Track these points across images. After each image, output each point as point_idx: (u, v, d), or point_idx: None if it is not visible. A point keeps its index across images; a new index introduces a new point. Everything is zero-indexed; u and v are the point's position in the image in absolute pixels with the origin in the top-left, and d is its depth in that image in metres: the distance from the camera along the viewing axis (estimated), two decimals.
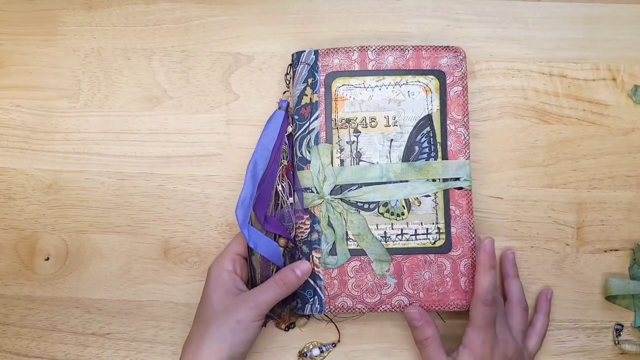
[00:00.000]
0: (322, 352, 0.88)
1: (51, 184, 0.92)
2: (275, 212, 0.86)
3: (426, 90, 0.87)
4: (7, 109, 0.93)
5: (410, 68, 0.87)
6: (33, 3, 0.95)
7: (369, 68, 0.87)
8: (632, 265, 0.89)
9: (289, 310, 0.87)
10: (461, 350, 0.81)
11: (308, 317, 0.89)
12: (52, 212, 0.92)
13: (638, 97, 0.92)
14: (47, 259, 0.91)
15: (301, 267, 0.84)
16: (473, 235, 0.85)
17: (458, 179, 0.85)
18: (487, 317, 0.81)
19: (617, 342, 0.88)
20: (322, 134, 0.87)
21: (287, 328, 0.89)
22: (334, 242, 0.85)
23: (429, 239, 0.85)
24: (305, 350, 0.89)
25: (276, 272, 0.85)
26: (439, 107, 0.87)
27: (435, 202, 0.85)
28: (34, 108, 0.93)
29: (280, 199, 0.86)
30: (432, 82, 0.87)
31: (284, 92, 0.91)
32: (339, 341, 0.89)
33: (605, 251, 0.90)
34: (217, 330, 0.79)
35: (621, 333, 0.89)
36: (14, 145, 0.93)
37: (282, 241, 0.85)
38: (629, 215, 0.91)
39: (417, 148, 0.86)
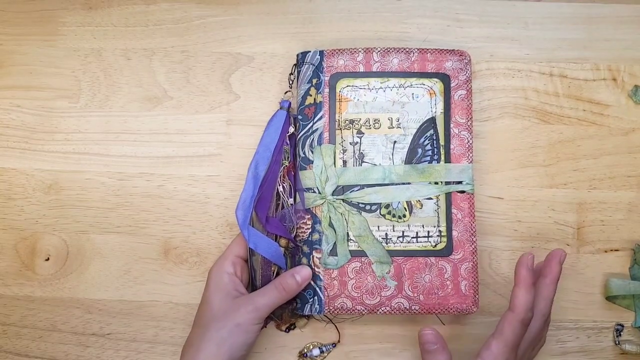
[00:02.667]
0: (322, 352, 0.88)
1: (51, 184, 0.92)
2: (276, 212, 0.86)
3: (430, 93, 0.87)
4: (7, 109, 0.93)
5: (415, 70, 0.87)
6: (33, 3, 0.95)
7: (374, 70, 0.87)
8: (633, 266, 0.89)
9: (289, 312, 0.87)
10: None
11: (308, 317, 0.89)
12: (53, 213, 0.92)
13: (638, 97, 0.92)
14: (48, 259, 0.91)
15: (302, 273, 0.84)
16: (474, 239, 0.85)
17: (460, 182, 0.85)
18: (518, 336, 0.76)
19: (617, 343, 0.88)
20: (326, 135, 0.87)
21: (288, 329, 0.89)
22: (334, 243, 0.85)
23: (430, 242, 0.85)
24: (306, 350, 0.89)
25: (277, 272, 0.85)
26: (442, 110, 0.86)
27: (437, 205, 0.85)
28: (34, 108, 0.93)
29: (281, 199, 0.86)
30: (437, 85, 0.87)
31: (286, 92, 0.91)
32: (339, 341, 0.89)
33: (606, 251, 0.90)
34: (217, 333, 0.79)
35: (621, 333, 0.89)
36: (14, 145, 0.93)
37: (283, 241, 0.85)
38: (630, 215, 0.91)
39: (420, 150, 0.86)
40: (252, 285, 0.86)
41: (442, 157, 0.86)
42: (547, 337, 0.87)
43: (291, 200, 0.86)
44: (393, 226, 0.85)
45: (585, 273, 0.90)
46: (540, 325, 0.79)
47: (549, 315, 0.81)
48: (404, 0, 0.94)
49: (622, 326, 0.89)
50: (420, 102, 0.87)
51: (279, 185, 0.86)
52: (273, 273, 0.85)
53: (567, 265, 0.89)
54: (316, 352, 0.88)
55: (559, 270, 0.80)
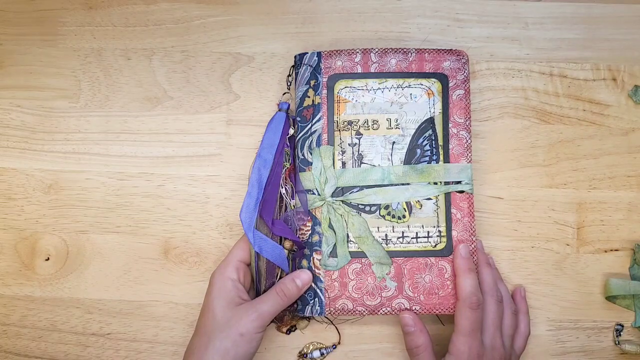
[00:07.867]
0: (322, 354, 0.88)
1: (51, 184, 0.92)
2: (279, 215, 0.86)
3: (428, 93, 0.87)
4: (7, 109, 0.93)
5: (413, 71, 0.87)
6: (33, 3, 0.95)
7: (372, 70, 0.87)
8: (632, 265, 0.89)
9: (290, 314, 0.86)
10: (447, 358, 0.80)
11: (309, 319, 0.89)
12: (53, 213, 0.92)
13: (638, 97, 0.92)
14: (48, 259, 0.91)
15: (302, 277, 0.83)
16: (474, 239, 0.85)
17: (459, 182, 0.85)
18: (473, 322, 0.80)
19: (617, 342, 0.88)
20: (324, 136, 0.86)
21: (289, 331, 0.89)
22: (334, 244, 0.85)
23: (430, 242, 0.85)
24: (305, 350, 0.89)
25: (280, 276, 0.85)
26: (441, 110, 0.86)
27: (437, 205, 0.85)
28: (34, 108, 0.93)
29: (284, 201, 0.86)
30: (435, 85, 0.87)
31: (284, 94, 0.91)
32: (339, 343, 0.89)
33: (606, 251, 0.90)
34: (221, 343, 0.78)
35: (621, 333, 0.89)
36: (14, 145, 0.93)
37: (287, 244, 0.85)
38: (629, 215, 0.91)
39: (419, 151, 0.86)
40: (255, 290, 0.85)
41: (441, 157, 0.86)
42: (547, 337, 0.88)
43: (294, 202, 0.86)
44: (393, 227, 0.85)
45: (585, 273, 0.90)
46: (494, 307, 0.83)
47: (511, 300, 0.87)
48: (404, 0, 0.94)
49: (622, 326, 0.89)
50: (418, 102, 0.87)
51: (282, 187, 0.86)
52: (277, 276, 0.85)
53: (567, 265, 0.90)
54: (316, 354, 0.88)
55: (526, 304, 0.88)
